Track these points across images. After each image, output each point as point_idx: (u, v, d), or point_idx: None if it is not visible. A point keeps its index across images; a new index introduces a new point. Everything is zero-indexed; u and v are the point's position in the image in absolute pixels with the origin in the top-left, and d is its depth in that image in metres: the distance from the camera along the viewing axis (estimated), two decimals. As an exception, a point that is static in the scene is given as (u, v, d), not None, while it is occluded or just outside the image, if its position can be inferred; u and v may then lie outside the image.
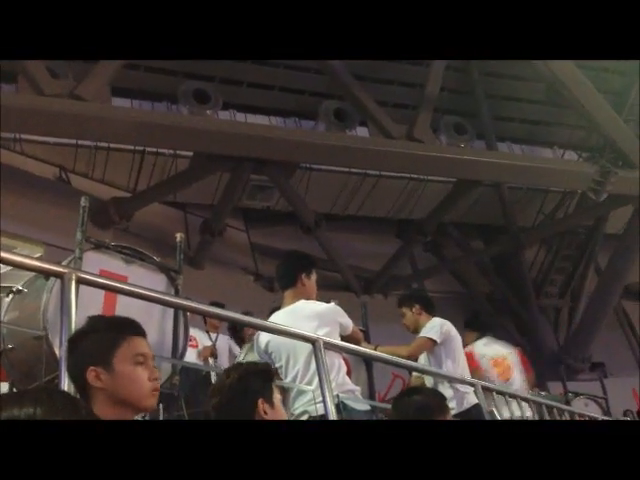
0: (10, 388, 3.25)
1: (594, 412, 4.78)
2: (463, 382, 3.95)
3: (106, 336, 1.87)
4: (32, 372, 2.91)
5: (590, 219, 12.79)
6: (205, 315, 4.49)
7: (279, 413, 2.25)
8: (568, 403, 5.23)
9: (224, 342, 5.43)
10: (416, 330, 4.31)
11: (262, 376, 2.33)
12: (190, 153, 10.00)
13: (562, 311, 13.64)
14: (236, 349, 5.43)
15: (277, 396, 2.32)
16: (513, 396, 3.92)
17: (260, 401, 2.18)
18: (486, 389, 3.83)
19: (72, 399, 1.11)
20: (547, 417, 3.89)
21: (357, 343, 3.77)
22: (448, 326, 4.22)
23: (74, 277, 2.42)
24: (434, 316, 4.35)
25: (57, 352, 2.56)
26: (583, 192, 11.24)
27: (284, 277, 3.76)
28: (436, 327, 4.19)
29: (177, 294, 3.64)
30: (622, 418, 7.28)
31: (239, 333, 5.32)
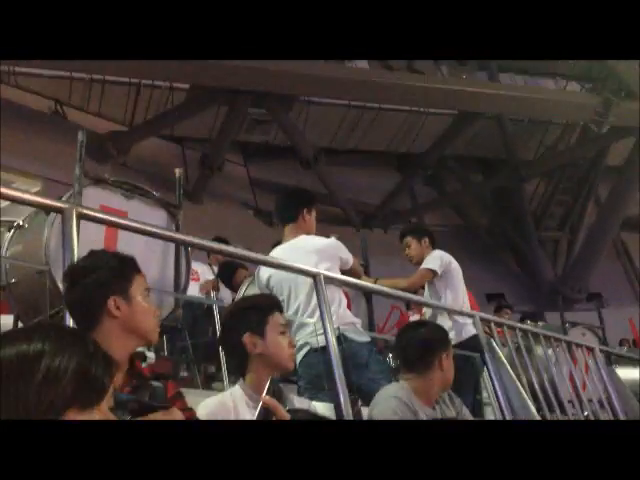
0: (15, 321, 3.30)
1: (591, 341, 4.88)
2: (462, 314, 4.00)
3: (122, 270, 1.91)
4: (36, 306, 2.94)
5: (591, 151, 12.70)
6: (206, 250, 4.50)
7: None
8: (565, 333, 5.33)
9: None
10: (419, 262, 4.32)
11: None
12: (187, 86, 9.84)
13: (561, 243, 13.73)
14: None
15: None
16: (511, 327, 3.99)
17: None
18: (484, 320, 3.90)
19: (80, 334, 1.13)
20: (543, 346, 3.97)
21: (357, 277, 3.80)
22: (449, 258, 4.24)
23: (75, 212, 2.42)
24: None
25: (60, 286, 2.60)
26: (585, 124, 11.14)
27: (285, 212, 3.75)
28: (437, 259, 4.21)
29: (178, 229, 3.64)
30: (618, 347, 7.43)
31: (230, 282, 5.32)
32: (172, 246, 3.56)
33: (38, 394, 0.95)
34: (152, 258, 3.36)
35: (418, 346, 2.66)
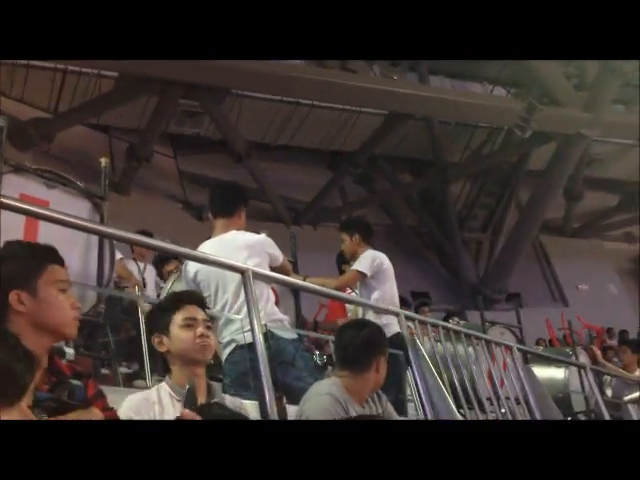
0: None
1: (509, 340, 5.05)
2: (387, 312, 4.06)
3: (29, 261, 1.82)
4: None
5: (514, 156, 13.15)
6: (132, 244, 4.40)
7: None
8: (485, 331, 5.50)
9: (152, 272, 5.37)
10: (351, 258, 4.34)
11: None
12: (115, 74, 9.57)
13: (483, 244, 14.16)
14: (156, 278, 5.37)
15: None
16: (434, 324, 4.08)
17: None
18: (409, 318, 3.97)
19: (1, 331, 1.09)
20: (464, 345, 4.08)
21: (286, 274, 3.80)
22: (381, 259, 4.27)
23: (-8, 201, 2.32)
24: (371, 247, 4.38)
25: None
26: (509, 129, 11.51)
27: (221, 206, 3.70)
28: (368, 261, 4.23)
29: (102, 221, 3.54)
30: (535, 346, 7.73)
31: (159, 269, 5.24)
32: (95, 239, 3.46)
33: None
34: (74, 251, 3.26)
35: (359, 346, 2.67)
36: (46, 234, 2.97)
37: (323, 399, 2.54)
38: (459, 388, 3.75)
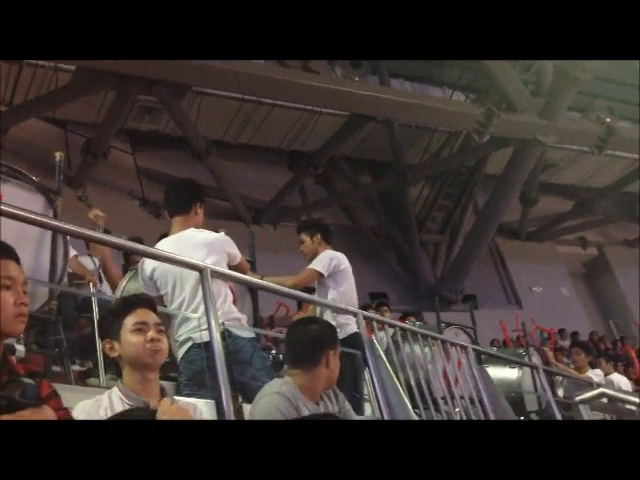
0: None
1: (464, 341, 5.12)
2: (346, 312, 4.08)
3: None
4: None
5: (472, 159, 13.36)
6: (87, 240, 4.31)
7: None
8: (441, 332, 5.57)
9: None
10: (312, 259, 4.33)
11: None
12: (72, 67, 9.38)
13: (441, 246, 14.34)
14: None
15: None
16: (392, 325, 4.11)
17: None
18: (367, 318, 3.99)
19: None
20: (420, 345, 4.12)
21: (244, 273, 3.79)
22: (339, 260, 4.28)
23: (-60, 194, 2.25)
24: (330, 247, 4.39)
25: None
26: (467, 133, 11.70)
27: (176, 204, 3.66)
28: (326, 260, 4.24)
29: (56, 216, 3.46)
30: (489, 347, 7.85)
31: (128, 262, 5.16)
32: (48, 234, 3.38)
33: None
34: (26, 246, 3.17)
35: (307, 342, 2.67)
36: (-3, 229, 2.90)
37: (273, 398, 2.53)
38: (415, 388, 3.79)
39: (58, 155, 3.75)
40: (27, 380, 1.78)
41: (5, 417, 1.63)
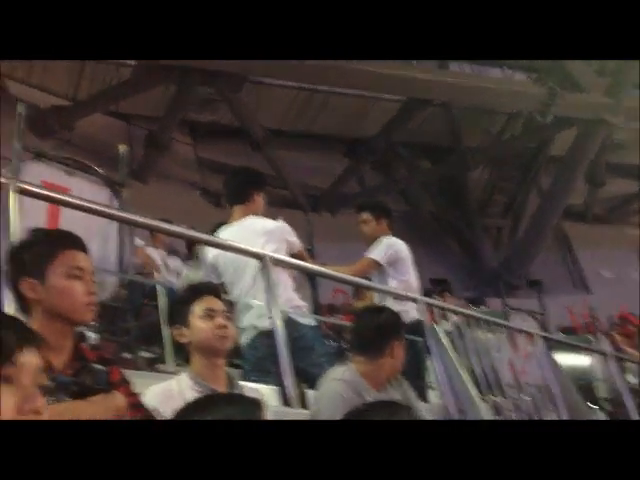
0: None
1: (531, 327, 5.01)
2: (406, 298, 4.04)
3: (42, 248, 1.82)
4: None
5: (535, 141, 12.99)
6: (151, 230, 4.42)
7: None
8: (507, 318, 5.46)
9: (174, 258, 5.40)
10: (370, 242, 4.24)
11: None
12: (133, 62, 9.58)
13: (503, 230, 14.04)
14: (175, 264, 5.40)
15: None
16: (454, 312, 4.06)
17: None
18: (428, 305, 3.95)
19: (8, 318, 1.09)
20: (485, 331, 4.05)
21: (303, 261, 3.80)
22: (397, 247, 4.19)
23: (14, 187, 2.34)
24: (392, 234, 4.29)
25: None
26: (530, 114, 11.38)
27: (235, 192, 3.70)
28: (384, 249, 4.16)
29: (121, 208, 3.56)
30: (558, 333, 7.65)
31: (190, 251, 5.27)
32: (115, 225, 3.48)
33: None
34: (94, 237, 3.27)
35: (372, 331, 2.66)
36: (67, 221, 3.00)
37: (336, 385, 2.54)
38: (481, 375, 3.73)
39: (122, 148, 3.86)
40: (98, 366, 1.83)
41: (77, 402, 1.68)
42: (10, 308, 2.10)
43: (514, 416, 3.74)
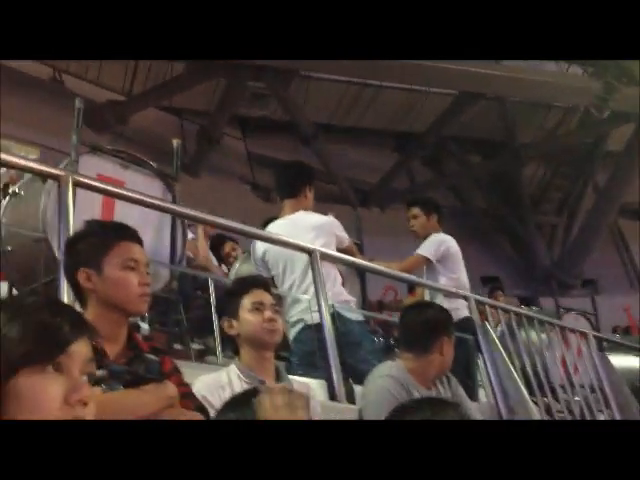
0: (9, 289, 3.29)
1: (584, 327, 4.89)
2: (456, 295, 4.00)
3: (99, 239, 1.87)
4: (31, 274, 2.92)
5: (591, 136, 12.66)
6: (203, 223, 4.48)
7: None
8: (559, 318, 5.34)
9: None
10: (423, 237, 4.18)
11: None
12: (187, 57, 9.71)
13: (558, 228, 13.73)
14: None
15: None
16: (506, 310, 3.99)
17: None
18: (479, 303, 3.89)
19: (47, 297, 1.11)
20: (537, 330, 3.98)
21: (352, 256, 3.80)
22: (448, 243, 4.13)
23: (71, 180, 2.40)
24: (442, 230, 4.24)
25: (56, 254, 2.57)
26: (586, 108, 11.09)
27: (286, 187, 3.71)
28: (435, 245, 4.11)
29: (174, 201, 3.61)
30: (611, 334, 7.46)
31: (218, 252, 5.30)
32: (168, 218, 3.53)
33: None
34: (148, 229, 3.33)
35: (420, 328, 2.64)
36: (122, 213, 3.06)
37: (384, 381, 2.52)
38: (532, 375, 3.66)
39: (175, 142, 3.91)
40: (151, 356, 1.87)
41: (130, 391, 1.72)
42: (67, 298, 2.16)
43: (565, 417, 3.67)
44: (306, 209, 3.66)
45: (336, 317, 3.29)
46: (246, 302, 2.33)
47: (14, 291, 3.19)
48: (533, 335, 3.88)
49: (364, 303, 4.67)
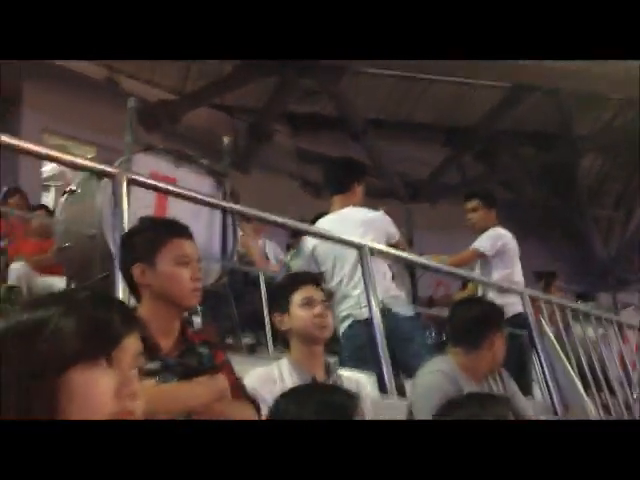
0: (67, 283, 3.40)
1: (643, 323, 4.74)
2: (509, 290, 3.93)
3: (152, 236, 1.92)
4: (88, 269, 3.02)
5: (650, 127, 12.25)
6: (254, 219, 4.53)
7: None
8: (617, 313, 5.19)
9: (272, 246, 5.51)
10: (480, 232, 4.12)
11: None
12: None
13: (615, 222, 13.35)
14: (278, 252, 5.49)
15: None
16: (561, 305, 3.90)
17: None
18: (533, 299, 3.82)
19: (99, 291, 1.13)
20: (593, 326, 3.88)
21: (402, 252, 3.78)
22: (506, 239, 4.06)
23: (125, 178, 2.46)
24: (500, 224, 4.17)
25: (112, 250, 2.65)
26: (644, 98, 10.73)
27: (335, 182, 3.72)
28: (491, 240, 4.03)
29: (225, 198, 3.66)
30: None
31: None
32: (219, 214, 3.59)
33: (43, 351, 0.94)
34: (199, 225, 3.39)
35: (469, 323, 2.61)
36: (174, 209, 3.12)
37: (434, 376, 2.50)
38: (588, 370, 3.58)
39: (226, 140, 3.97)
40: (203, 349, 1.91)
41: (183, 383, 1.76)
42: (123, 293, 2.22)
43: (623, 414, 3.57)
44: (355, 204, 3.66)
45: (386, 312, 3.29)
46: (297, 298, 2.35)
47: (72, 285, 3.29)
48: (589, 331, 3.79)
49: (414, 299, 4.65)
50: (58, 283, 3.87)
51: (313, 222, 3.82)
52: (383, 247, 3.51)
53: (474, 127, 12.19)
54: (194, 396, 1.73)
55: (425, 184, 12.46)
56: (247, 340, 4.07)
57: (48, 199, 7.77)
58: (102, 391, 0.96)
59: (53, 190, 8.44)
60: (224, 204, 3.40)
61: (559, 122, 12.16)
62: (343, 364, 3.28)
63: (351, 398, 1.44)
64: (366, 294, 3.24)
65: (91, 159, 3.37)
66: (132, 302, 2.00)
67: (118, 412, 0.97)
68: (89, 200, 3.18)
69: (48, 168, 8.30)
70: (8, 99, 8.26)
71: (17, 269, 4.23)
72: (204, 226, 3.53)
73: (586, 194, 12.84)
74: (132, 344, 1.03)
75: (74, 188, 3.41)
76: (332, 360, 3.06)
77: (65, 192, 3.48)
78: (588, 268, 12.52)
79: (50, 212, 5.09)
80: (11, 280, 4.19)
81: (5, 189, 5.86)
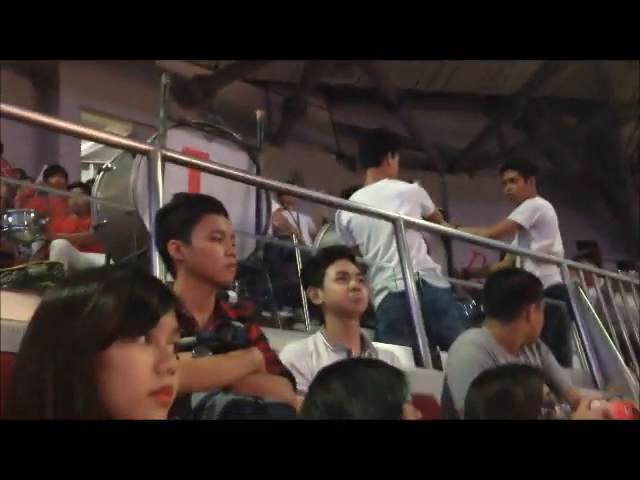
0: (106, 260, 3.47)
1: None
2: (548, 261, 3.87)
3: (187, 212, 1.93)
4: (125, 245, 3.07)
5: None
6: (287, 194, 4.53)
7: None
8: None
9: (305, 220, 5.50)
10: (518, 203, 4.04)
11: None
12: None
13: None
14: (312, 226, 5.48)
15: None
16: (601, 275, 3.83)
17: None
18: (573, 268, 3.76)
19: (136, 267, 1.15)
20: (634, 296, 3.80)
21: (437, 224, 3.74)
22: (545, 210, 3.97)
23: (159, 154, 2.48)
24: (538, 194, 4.08)
25: (147, 227, 2.68)
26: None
27: (369, 155, 3.69)
28: (529, 211, 3.94)
29: (258, 172, 3.67)
30: None
31: None
32: (253, 189, 3.60)
33: (84, 327, 0.97)
34: (233, 200, 3.41)
35: (505, 294, 2.58)
36: (207, 184, 3.14)
37: (470, 349, 2.48)
38: (628, 342, 3.52)
39: (259, 114, 3.96)
40: (238, 324, 1.93)
41: (218, 357, 1.78)
42: (159, 269, 2.26)
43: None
44: (390, 177, 3.63)
45: (421, 285, 3.27)
46: (331, 272, 2.35)
47: (111, 262, 3.35)
48: (630, 300, 3.72)
49: (450, 271, 4.61)
50: (98, 259, 3.95)
51: (347, 195, 3.80)
52: (418, 219, 3.48)
53: (513, 95, 11.93)
54: (228, 370, 1.75)
55: (463, 155, 12.28)
56: (284, 314, 4.10)
57: (87, 177, 7.90)
58: (141, 367, 0.99)
59: (92, 168, 8.58)
60: (258, 179, 3.40)
61: (599, 89, 11.82)
62: (379, 337, 3.28)
63: (399, 375, 1.43)
64: (401, 266, 3.23)
65: (127, 136, 3.40)
66: (168, 278, 2.04)
67: (157, 388, 1.00)
68: (124, 177, 3.22)
69: (87, 146, 8.42)
70: (46, 79, 8.38)
71: (59, 246, 4.32)
72: (238, 201, 3.54)
73: (627, 163, 12.50)
74: (169, 322, 1.05)
75: (110, 165, 3.46)
76: (368, 333, 3.07)
77: (101, 170, 3.53)
78: (629, 237, 12.24)
79: (88, 189, 5.18)
80: (53, 257, 4.28)
81: (46, 167, 5.98)
